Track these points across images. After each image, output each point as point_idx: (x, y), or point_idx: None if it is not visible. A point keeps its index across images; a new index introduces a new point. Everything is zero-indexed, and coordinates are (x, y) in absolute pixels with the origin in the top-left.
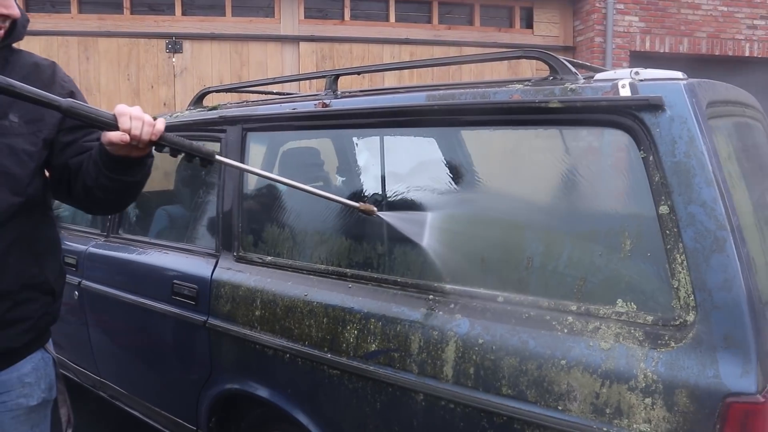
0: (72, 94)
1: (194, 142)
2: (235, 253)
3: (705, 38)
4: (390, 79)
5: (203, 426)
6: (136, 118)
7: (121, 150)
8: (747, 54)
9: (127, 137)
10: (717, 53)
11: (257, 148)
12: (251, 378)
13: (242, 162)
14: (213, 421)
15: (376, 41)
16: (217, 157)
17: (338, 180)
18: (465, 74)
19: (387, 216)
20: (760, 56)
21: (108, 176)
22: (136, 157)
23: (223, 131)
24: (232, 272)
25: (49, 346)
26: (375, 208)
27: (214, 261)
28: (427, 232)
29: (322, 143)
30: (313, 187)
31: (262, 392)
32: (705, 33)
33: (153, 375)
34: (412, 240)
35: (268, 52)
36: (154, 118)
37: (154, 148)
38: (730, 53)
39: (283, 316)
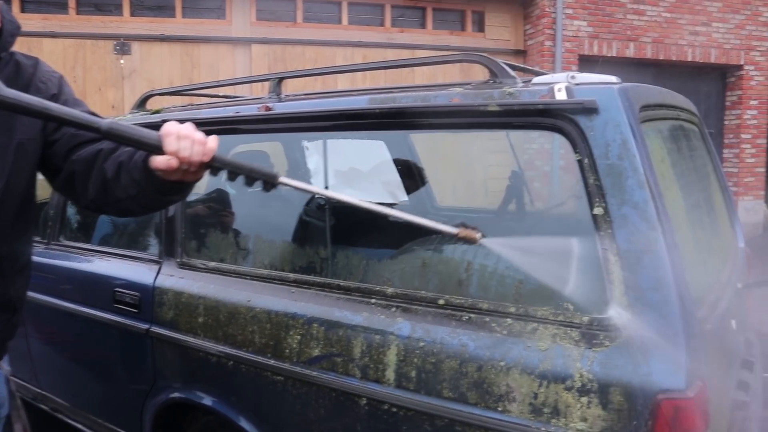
0: (54, 97)
1: (253, 164)
2: (178, 260)
3: (650, 43)
4: (343, 82)
5: None
6: (184, 138)
7: (172, 175)
8: (689, 59)
9: (175, 162)
10: (661, 58)
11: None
12: (195, 386)
13: None
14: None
15: (328, 44)
16: (282, 179)
17: None
18: (418, 78)
19: (495, 243)
20: (701, 61)
21: (154, 198)
22: (189, 181)
23: None
24: (174, 279)
25: (3, 362)
26: (479, 235)
27: (156, 267)
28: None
29: (272, 147)
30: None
31: (207, 400)
32: (650, 38)
33: (96, 386)
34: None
35: (220, 54)
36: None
37: (208, 171)
38: (674, 58)
39: (226, 322)
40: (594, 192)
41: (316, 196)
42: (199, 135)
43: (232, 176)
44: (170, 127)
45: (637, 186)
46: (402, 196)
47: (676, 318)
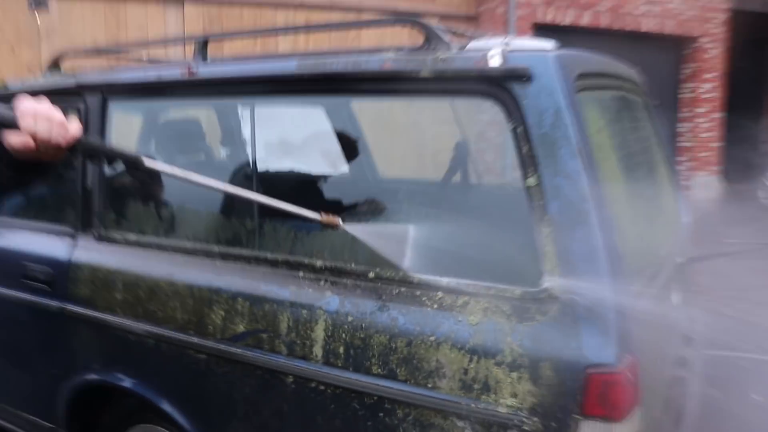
0: None
1: (116, 147)
2: (95, 232)
3: (605, 12)
4: (285, 47)
5: (62, 423)
6: (42, 118)
7: (27, 155)
8: (644, 29)
9: (32, 142)
10: (616, 27)
11: (127, 120)
12: (114, 367)
13: (105, 135)
14: (73, 417)
15: (268, 5)
16: (147, 162)
17: (222, 154)
18: (365, 43)
19: (357, 229)
20: (657, 32)
21: (9, 176)
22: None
23: (81, 100)
24: (91, 253)
25: None
26: (339, 220)
27: (71, 241)
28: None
29: (205, 114)
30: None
31: (126, 382)
32: (605, 7)
33: (6, 371)
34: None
35: (149, 14)
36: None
37: (69, 153)
38: (629, 28)
39: (146, 298)
40: (527, 162)
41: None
42: (59, 116)
43: (94, 159)
44: (26, 105)
45: (570, 156)
46: (341, 167)
47: (606, 290)
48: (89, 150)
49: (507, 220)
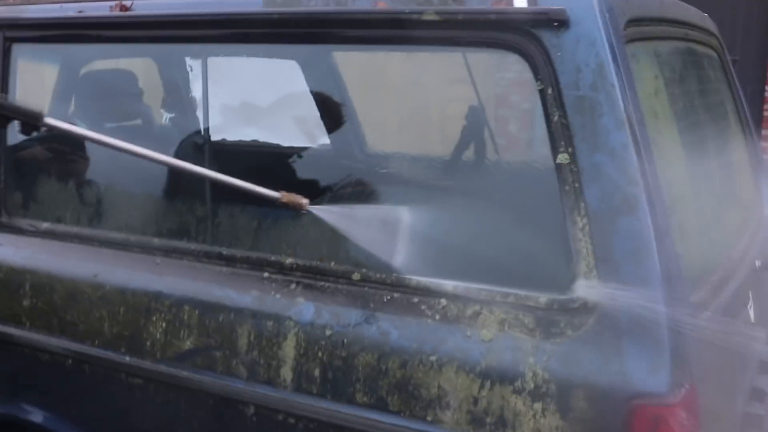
0: None
1: (6, 99)
2: None
3: None
4: None
5: None
6: None
7: None
8: None
9: None
10: None
11: (37, 69)
12: (20, 397)
13: (7, 86)
14: None
15: None
16: (47, 119)
17: (164, 117)
18: None
19: (325, 212)
20: None
21: None
22: None
23: None
24: None
25: None
26: (305, 201)
27: None
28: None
29: (143, 66)
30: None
31: (36, 416)
32: None
33: None
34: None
35: None
36: None
37: None
38: None
39: (63, 306)
40: (559, 133)
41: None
42: None
43: None
44: None
45: (615, 126)
46: (320, 138)
47: (659, 301)
48: None
49: (531, 209)
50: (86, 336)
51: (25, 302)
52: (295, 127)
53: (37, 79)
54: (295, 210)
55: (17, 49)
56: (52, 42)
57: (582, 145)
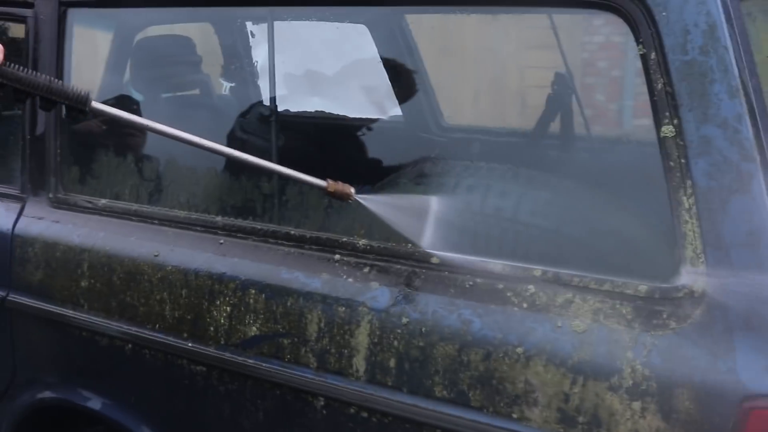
0: None
1: (54, 80)
2: (50, 195)
3: None
4: None
5: None
6: None
7: None
8: None
9: None
10: None
11: (91, 36)
12: (77, 382)
13: (62, 54)
14: None
15: None
16: (95, 104)
17: (224, 87)
18: None
19: (373, 202)
20: None
21: None
22: None
23: (29, 5)
24: (45, 223)
25: None
26: (352, 190)
27: (17, 207)
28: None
29: (199, 31)
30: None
31: (94, 402)
32: None
33: None
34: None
35: None
36: None
37: None
38: None
39: (122, 287)
40: (663, 103)
41: (145, 129)
42: None
43: (19, 96)
44: None
45: (728, 94)
46: (391, 109)
47: None
48: (11, 83)
49: (628, 187)
50: (146, 319)
51: (83, 283)
52: (364, 98)
53: (90, 47)
54: (342, 200)
55: (73, 14)
56: (109, 6)
57: (689, 116)
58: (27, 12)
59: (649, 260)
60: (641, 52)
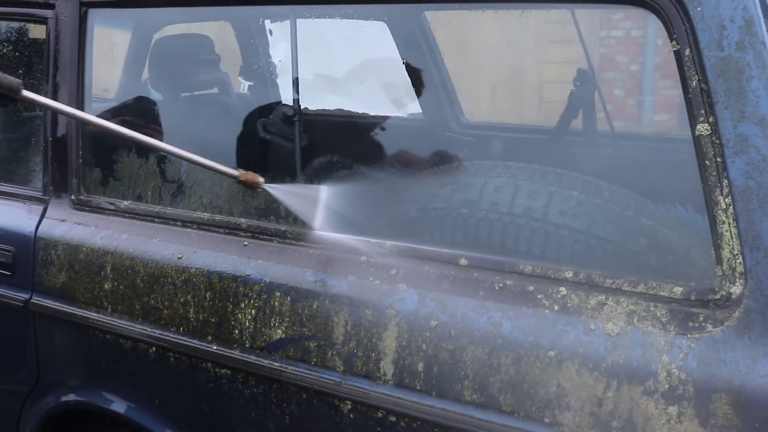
0: None
1: None
2: (72, 197)
3: None
4: None
5: None
6: None
7: None
8: None
9: None
10: None
11: (109, 36)
12: (100, 385)
13: (84, 53)
14: None
15: None
16: (25, 93)
17: (243, 86)
18: None
19: (280, 191)
20: None
21: None
22: None
23: (50, 6)
24: (67, 225)
25: None
26: (261, 179)
27: (40, 209)
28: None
29: (217, 29)
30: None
31: (118, 405)
32: None
33: None
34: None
35: None
36: None
37: None
38: None
39: (146, 290)
40: (697, 100)
41: (83, 122)
42: None
43: None
44: None
45: (766, 91)
46: (411, 106)
47: None
48: None
49: (661, 187)
50: (170, 322)
51: (107, 285)
52: (383, 95)
53: (108, 46)
54: (252, 188)
55: (94, 14)
56: (129, 6)
57: (725, 114)
58: (48, 13)
59: (684, 261)
60: (675, 49)
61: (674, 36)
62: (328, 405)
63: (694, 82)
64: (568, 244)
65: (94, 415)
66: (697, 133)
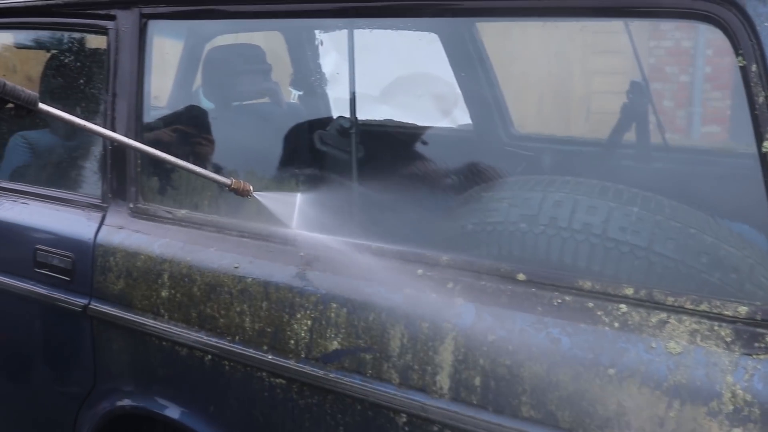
0: None
1: (8, 83)
2: (131, 205)
3: None
4: None
5: None
6: None
7: None
8: None
9: None
10: None
11: (166, 45)
12: (155, 390)
13: (143, 64)
14: None
15: None
16: (42, 106)
17: (293, 95)
18: None
19: (269, 198)
20: None
21: None
22: None
23: (111, 18)
24: (126, 233)
25: None
26: (251, 188)
27: (99, 216)
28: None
29: (268, 39)
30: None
31: (172, 411)
32: None
33: (8, 387)
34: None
35: None
36: None
37: None
38: None
39: (202, 298)
40: (764, 116)
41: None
42: None
43: None
44: None
45: None
46: (461, 117)
47: None
48: None
49: (725, 203)
50: (226, 331)
51: (164, 293)
52: (433, 106)
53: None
54: (243, 196)
55: (153, 26)
56: (187, 18)
57: None
58: (109, 24)
59: (749, 280)
60: (741, 64)
61: (740, 51)
62: (383, 417)
63: (761, 98)
64: (628, 260)
65: (149, 421)
66: (763, 149)
